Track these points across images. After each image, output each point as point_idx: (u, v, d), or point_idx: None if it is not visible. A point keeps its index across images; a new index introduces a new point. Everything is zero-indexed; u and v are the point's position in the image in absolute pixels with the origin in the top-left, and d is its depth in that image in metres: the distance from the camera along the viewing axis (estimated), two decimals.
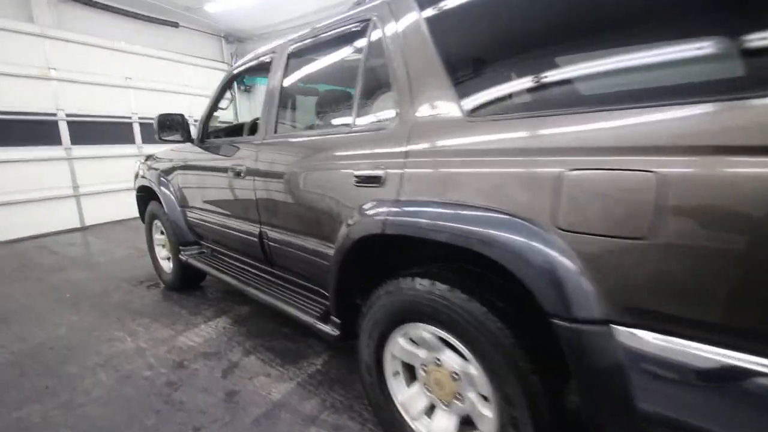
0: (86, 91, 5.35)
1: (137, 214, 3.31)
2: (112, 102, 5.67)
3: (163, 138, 2.24)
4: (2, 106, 4.57)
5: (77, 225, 5.45)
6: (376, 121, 1.37)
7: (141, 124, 6.02)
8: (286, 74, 1.77)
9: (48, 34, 4.93)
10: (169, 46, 6.42)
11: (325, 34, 1.58)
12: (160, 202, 2.74)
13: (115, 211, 5.70)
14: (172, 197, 2.65)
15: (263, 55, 1.93)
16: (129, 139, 5.94)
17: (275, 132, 1.78)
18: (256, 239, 1.89)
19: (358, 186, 1.28)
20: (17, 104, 4.70)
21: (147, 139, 6.09)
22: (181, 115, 2.31)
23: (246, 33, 7.16)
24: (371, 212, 1.19)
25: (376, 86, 1.40)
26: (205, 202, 2.32)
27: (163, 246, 3.06)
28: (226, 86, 2.25)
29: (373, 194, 1.23)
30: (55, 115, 5.07)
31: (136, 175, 3.18)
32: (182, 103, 6.48)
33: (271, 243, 1.80)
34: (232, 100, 2.16)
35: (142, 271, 3.49)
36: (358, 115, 1.41)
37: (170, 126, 2.25)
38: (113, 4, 5.63)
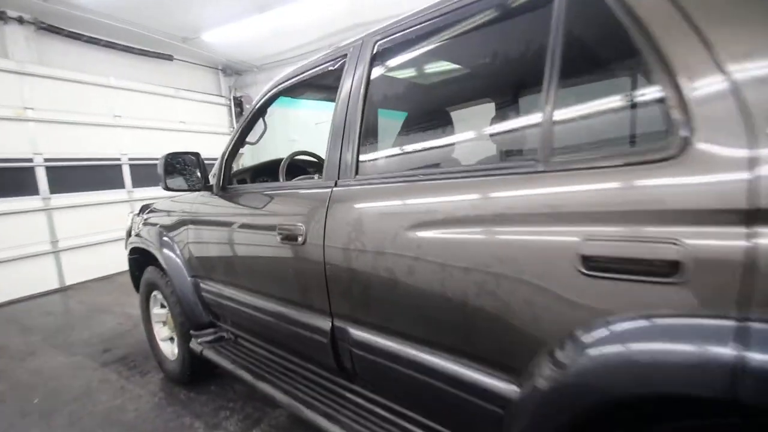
0: (69, 132, 4.72)
1: (125, 267, 2.60)
2: (99, 143, 5.03)
3: (170, 186, 1.59)
4: None
5: (56, 285, 4.66)
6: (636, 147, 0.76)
7: (131, 166, 5.37)
8: (372, 82, 1.16)
9: (25, 71, 4.33)
10: (162, 80, 5.88)
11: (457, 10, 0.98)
12: (162, 269, 2.05)
13: (100, 267, 4.93)
14: (180, 263, 1.96)
15: (327, 61, 1.32)
16: (117, 183, 5.26)
17: (356, 173, 1.14)
18: (324, 339, 1.21)
19: (595, 276, 0.64)
20: None
21: (138, 181, 5.43)
22: (197, 155, 1.68)
23: (245, 65, 6.70)
24: (686, 349, 0.53)
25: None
26: (230, 273, 1.64)
27: (164, 323, 2.34)
28: (260, 111, 1.62)
29: (647, 296, 0.58)
30: (31, 160, 4.39)
31: (128, 233, 2.49)
32: (178, 142, 5.88)
33: (355, 349, 1.12)
34: (265, 130, 1.49)
35: (134, 348, 2.74)
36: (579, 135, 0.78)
37: (181, 169, 1.61)
38: (100, 37, 5.10)
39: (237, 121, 6.85)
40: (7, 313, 3.93)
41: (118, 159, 5.27)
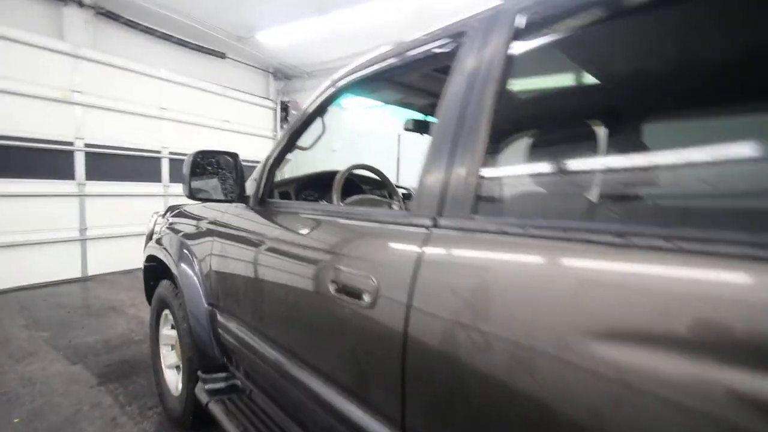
0: (113, 120, 4.61)
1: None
2: (142, 134, 4.91)
3: (196, 194, 1.23)
4: (9, 130, 3.79)
5: (78, 274, 4.49)
6: None
7: (171, 160, 5.22)
8: (509, 73, 0.74)
9: (78, 54, 4.27)
10: (212, 77, 5.78)
11: None
12: (176, 286, 1.70)
13: (125, 260, 4.73)
14: (197, 284, 1.59)
15: (427, 43, 0.91)
16: (154, 177, 5.11)
17: (475, 209, 0.71)
18: None
19: None
20: (29, 129, 3.93)
21: (175, 177, 5.27)
22: (234, 156, 1.32)
23: (296, 70, 6.54)
24: None
25: None
26: (256, 315, 1.25)
27: (173, 347, 1.98)
28: (320, 109, 1.24)
29: None
30: (72, 144, 4.29)
31: (149, 235, 2.18)
32: (220, 141, 5.72)
33: None
34: (322, 133, 1.08)
35: (139, 367, 2.40)
36: None
37: (213, 172, 1.24)
38: (157, 27, 5.04)
39: (282, 126, 6.68)
40: (23, 299, 3.74)
41: (159, 152, 5.13)
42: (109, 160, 4.60)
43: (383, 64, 1.01)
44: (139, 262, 4.34)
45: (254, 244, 1.27)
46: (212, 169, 1.23)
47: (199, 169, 1.22)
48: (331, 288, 0.89)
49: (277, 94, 6.85)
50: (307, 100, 1.30)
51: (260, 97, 6.62)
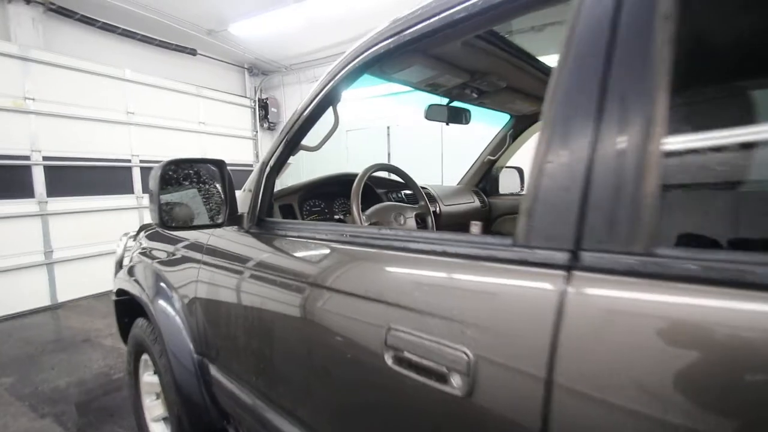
0: (74, 128, 4.15)
1: None
2: (108, 141, 4.46)
3: (167, 220, 0.88)
4: None
5: (47, 302, 4.04)
6: None
7: (143, 169, 4.77)
8: None
9: (28, 56, 3.79)
10: (183, 76, 5.33)
11: None
12: (153, 330, 1.37)
13: (99, 281, 4.30)
14: (181, 327, 1.27)
15: None
16: (125, 188, 4.66)
17: (637, 235, 0.42)
18: None
19: None
20: None
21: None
22: (220, 164, 0.99)
23: (273, 64, 6.13)
24: None
25: None
26: (268, 379, 0.93)
27: (158, 396, 1.65)
28: (332, 95, 0.92)
29: None
30: (28, 158, 3.82)
31: (118, 263, 1.83)
32: (195, 144, 5.30)
33: None
34: (335, 127, 0.76)
35: (120, 416, 2.04)
36: None
37: (189, 188, 0.91)
38: (117, 24, 4.57)
39: (262, 125, 6.27)
40: None
41: (129, 160, 4.68)
42: (72, 173, 4.14)
43: (429, 25, 0.70)
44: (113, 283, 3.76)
45: (253, 284, 0.95)
46: (190, 184, 0.90)
47: (171, 185, 0.89)
48: (388, 358, 0.59)
49: (255, 92, 6.42)
50: (314, 85, 0.98)
51: (237, 95, 6.18)
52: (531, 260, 0.49)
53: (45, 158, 3.92)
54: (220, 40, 5.17)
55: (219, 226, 0.98)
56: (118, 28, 4.61)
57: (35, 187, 3.88)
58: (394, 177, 1.43)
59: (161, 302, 1.35)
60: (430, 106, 1.41)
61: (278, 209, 1.20)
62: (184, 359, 1.25)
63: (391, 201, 1.58)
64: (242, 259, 1.02)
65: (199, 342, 1.23)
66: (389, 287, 0.64)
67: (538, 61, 1.29)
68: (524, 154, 2.11)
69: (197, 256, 1.21)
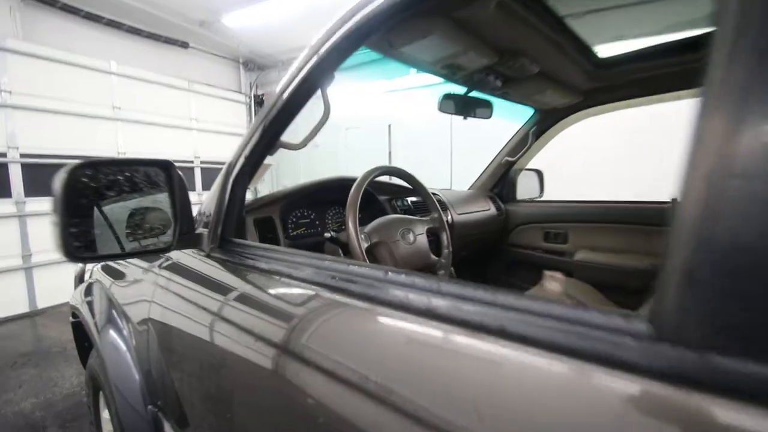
0: (55, 124, 3.88)
1: None
2: (93, 138, 4.20)
3: (73, 249, 0.60)
4: None
5: (25, 309, 3.79)
6: None
7: None
8: None
9: (5, 46, 3.52)
10: (174, 70, 5.06)
11: None
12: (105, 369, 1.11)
13: None
14: (134, 372, 1.01)
15: None
16: None
17: None
18: None
19: None
20: None
21: None
22: (166, 167, 0.73)
23: (269, 58, 5.86)
24: None
25: None
26: None
27: None
28: (316, 76, 0.67)
29: None
30: (4, 155, 3.56)
31: (78, 277, 1.58)
32: (186, 142, 5.04)
33: None
34: (326, 117, 0.49)
35: None
36: None
37: (120, 199, 0.65)
38: (102, 14, 4.30)
39: None
40: None
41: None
42: (53, 172, 3.81)
43: None
44: None
45: (212, 330, 0.69)
46: (118, 195, 0.65)
47: (86, 197, 0.62)
48: None
49: (251, 87, 6.15)
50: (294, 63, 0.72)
51: (231, 90, 5.92)
52: (708, 379, 0.24)
53: (23, 155, 3.66)
54: (213, 32, 4.90)
55: (164, 251, 0.72)
56: (104, 18, 4.34)
57: (12, 186, 3.62)
58: (397, 180, 1.19)
59: (111, 336, 1.09)
60: (446, 96, 1.15)
61: (253, 225, 0.95)
62: (135, 409, 1.00)
63: (396, 210, 1.33)
64: (199, 294, 0.76)
65: (153, 392, 0.97)
66: (407, 386, 0.38)
67: (584, 45, 1.03)
68: (547, 155, 1.85)
69: (149, 284, 0.96)
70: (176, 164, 0.76)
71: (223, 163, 0.83)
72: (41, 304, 3.88)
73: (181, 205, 0.75)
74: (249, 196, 0.95)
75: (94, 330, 1.14)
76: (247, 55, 5.85)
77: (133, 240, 0.66)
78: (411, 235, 1.01)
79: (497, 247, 1.92)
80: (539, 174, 1.96)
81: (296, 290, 0.57)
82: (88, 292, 1.39)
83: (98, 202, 0.62)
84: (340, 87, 5.53)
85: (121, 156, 4.44)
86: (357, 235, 0.85)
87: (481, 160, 2.00)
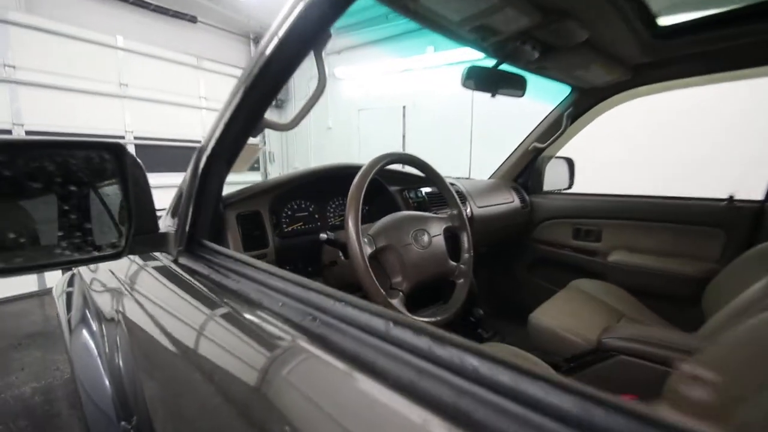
0: (60, 100, 3.78)
1: None
2: (99, 116, 4.09)
3: None
4: None
5: (34, 288, 3.78)
6: None
7: (138, 147, 4.42)
8: None
9: (7, 19, 3.40)
10: (183, 46, 4.89)
11: None
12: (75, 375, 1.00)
13: None
14: (106, 385, 0.88)
15: None
16: None
17: None
18: None
19: None
20: None
21: (146, 166, 4.47)
22: (117, 150, 0.57)
23: None
24: None
25: None
26: None
27: None
28: (310, 33, 0.49)
29: None
30: (10, 132, 3.48)
31: None
32: (195, 121, 4.91)
33: None
34: (322, 89, 0.31)
35: None
36: None
37: (47, 192, 0.50)
38: None
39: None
40: None
41: (122, 137, 4.31)
42: None
43: None
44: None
45: (179, 355, 0.54)
46: (47, 187, 0.49)
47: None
48: None
49: None
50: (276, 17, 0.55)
51: (241, 68, 5.72)
52: None
53: (28, 133, 3.59)
54: (223, 6, 4.69)
55: (110, 257, 0.57)
56: None
57: None
58: (409, 168, 1.01)
59: (83, 339, 0.97)
60: (471, 69, 0.96)
61: (235, 221, 0.79)
62: (106, 424, 0.87)
63: (408, 203, 1.16)
64: (161, 310, 0.62)
65: (126, 406, 0.85)
66: None
67: (646, 9, 0.82)
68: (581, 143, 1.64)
69: (118, 285, 0.82)
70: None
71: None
72: (51, 282, 3.87)
73: (138, 198, 0.60)
74: (257, 178, 0.80)
75: (66, 329, 1.02)
76: (257, 30, 5.63)
77: (68, 245, 0.51)
78: (426, 237, 0.85)
79: (521, 242, 1.74)
80: (570, 163, 1.75)
81: (264, 330, 0.42)
82: (71, 282, 1.27)
83: (16, 196, 0.47)
84: (352, 66, 5.30)
85: (129, 133, 4.34)
86: (359, 239, 0.69)
87: (503, 148, 1.80)
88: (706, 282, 1.18)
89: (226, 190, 0.85)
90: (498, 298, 1.85)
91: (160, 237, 0.64)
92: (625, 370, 0.82)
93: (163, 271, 0.65)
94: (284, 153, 6.11)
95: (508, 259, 1.80)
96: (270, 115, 0.66)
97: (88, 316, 1.00)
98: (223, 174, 0.66)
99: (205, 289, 0.57)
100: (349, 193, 0.74)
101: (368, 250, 0.73)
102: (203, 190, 0.64)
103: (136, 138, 4.38)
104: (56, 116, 3.75)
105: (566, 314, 1.15)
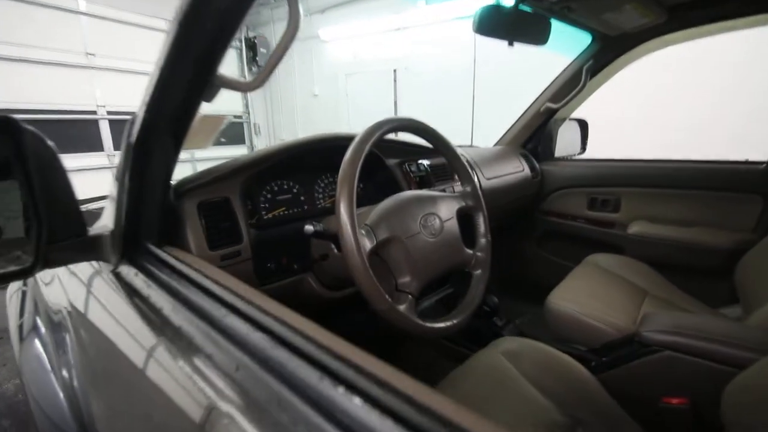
0: (21, 73, 3.46)
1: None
2: (65, 89, 3.78)
3: None
4: None
5: None
6: None
7: (111, 122, 4.13)
8: None
9: None
10: (153, 10, 4.47)
11: None
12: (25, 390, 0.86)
13: None
14: (61, 400, 0.74)
15: None
16: (93, 145, 4.05)
17: None
18: None
19: None
20: None
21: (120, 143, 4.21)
22: (4, 120, 0.40)
23: None
24: None
25: None
26: None
27: None
28: None
29: None
30: None
31: None
32: None
33: None
34: (293, 28, 0.13)
35: None
36: None
37: None
38: None
39: (250, 69, 5.46)
40: None
41: (94, 112, 4.02)
42: None
43: None
44: None
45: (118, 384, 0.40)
46: None
47: None
48: None
49: (246, 30, 5.54)
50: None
51: None
52: None
53: None
54: None
55: (19, 275, 0.41)
56: None
57: None
58: (406, 136, 0.83)
59: (37, 345, 0.82)
60: (486, 10, 0.77)
61: (197, 213, 0.62)
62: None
63: (410, 178, 0.99)
64: (99, 331, 0.47)
65: (78, 415, 0.72)
66: None
67: None
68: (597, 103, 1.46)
69: (65, 295, 0.67)
70: None
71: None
72: None
73: (51, 192, 0.43)
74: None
75: (16, 336, 0.88)
76: None
77: None
78: (436, 222, 0.69)
79: (528, 215, 1.60)
80: (582, 125, 1.58)
81: (197, 389, 0.28)
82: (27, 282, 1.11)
83: None
84: (338, 26, 4.93)
85: (102, 108, 4.04)
86: (355, 231, 0.53)
87: (507, 115, 1.62)
88: (739, 254, 1.06)
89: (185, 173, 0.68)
90: (505, 276, 1.73)
91: (90, 242, 0.48)
92: (672, 367, 0.70)
93: (99, 286, 0.50)
94: (270, 125, 5.81)
95: (514, 233, 1.67)
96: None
97: (39, 324, 0.85)
98: (171, 152, 0.50)
99: (146, 308, 0.42)
100: (341, 170, 0.58)
101: (367, 245, 0.58)
102: (142, 175, 0.47)
103: (109, 113, 4.09)
104: (15, 90, 3.44)
105: (586, 296, 1.03)
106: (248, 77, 5.44)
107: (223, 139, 5.29)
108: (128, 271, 0.48)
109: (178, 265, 0.45)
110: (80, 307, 0.56)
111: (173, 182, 0.63)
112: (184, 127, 0.50)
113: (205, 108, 0.66)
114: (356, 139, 0.60)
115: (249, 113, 5.60)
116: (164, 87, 0.45)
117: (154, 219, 0.51)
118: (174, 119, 0.48)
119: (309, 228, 0.65)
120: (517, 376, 0.73)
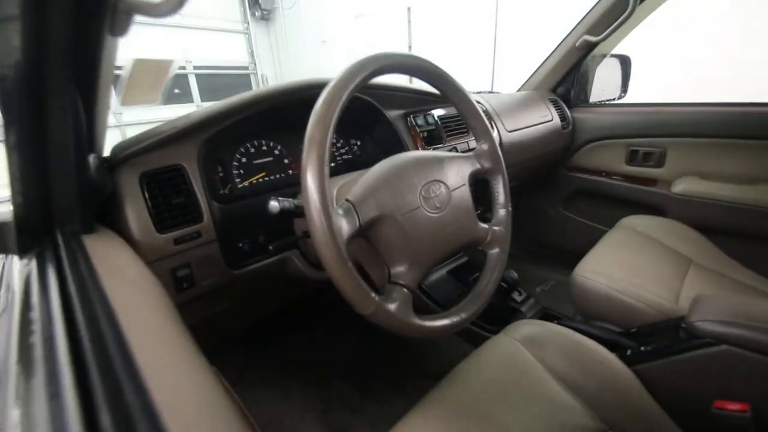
0: None
1: None
2: None
3: None
4: None
5: None
6: None
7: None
8: None
9: None
10: None
11: None
12: None
13: None
14: None
15: None
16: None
17: None
18: None
19: None
20: None
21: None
22: None
23: None
24: None
25: None
26: None
27: None
28: None
29: None
30: None
31: None
32: (172, 42, 4.38)
33: None
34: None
35: None
36: None
37: None
38: None
39: (253, 14, 5.09)
40: None
41: None
42: None
43: None
44: None
45: None
46: None
47: None
48: None
49: None
50: None
51: None
52: None
53: None
54: None
55: None
56: None
57: None
58: (415, 83, 0.67)
59: None
60: None
61: (140, 187, 0.50)
62: None
63: (415, 132, 0.83)
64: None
65: None
66: None
67: None
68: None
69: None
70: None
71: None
72: None
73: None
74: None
75: None
76: None
77: None
78: (442, 192, 0.54)
79: (554, 171, 1.42)
80: (624, 62, 1.34)
81: None
82: None
83: None
84: None
85: None
86: (327, 211, 0.39)
87: (532, 61, 1.39)
88: None
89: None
90: (525, 241, 1.58)
91: None
92: (731, 365, 0.58)
93: (5, 286, 0.40)
94: (279, 76, 5.53)
95: (536, 191, 1.50)
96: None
97: None
98: (76, 107, 0.37)
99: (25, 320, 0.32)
100: (308, 128, 0.43)
101: (346, 228, 0.44)
102: (37, 140, 0.35)
103: None
104: None
105: (620, 267, 0.88)
106: (252, 22, 5.08)
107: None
108: (38, 266, 0.37)
109: (90, 264, 0.34)
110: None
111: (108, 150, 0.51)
112: (90, 71, 0.37)
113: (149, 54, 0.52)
114: (330, 85, 0.45)
115: (255, 64, 5.32)
116: (47, 10, 0.31)
117: (69, 198, 0.39)
118: (70, 59, 0.34)
119: (274, 204, 0.51)
120: (538, 368, 0.62)
